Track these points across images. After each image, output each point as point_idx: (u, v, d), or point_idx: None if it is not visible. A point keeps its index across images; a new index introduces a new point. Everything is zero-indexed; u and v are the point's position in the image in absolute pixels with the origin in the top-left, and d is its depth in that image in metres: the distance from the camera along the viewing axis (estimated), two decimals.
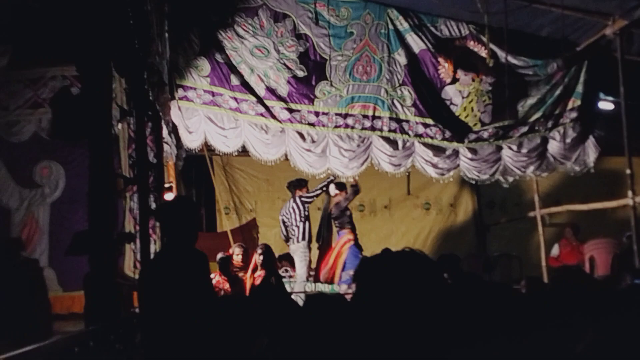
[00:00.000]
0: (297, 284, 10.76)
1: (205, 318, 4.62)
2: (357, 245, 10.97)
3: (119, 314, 4.91)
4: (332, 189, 11.25)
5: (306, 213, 10.86)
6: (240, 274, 10.28)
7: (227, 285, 9.81)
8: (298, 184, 11.07)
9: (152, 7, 7.01)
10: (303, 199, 10.89)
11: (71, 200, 10.51)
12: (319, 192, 11.11)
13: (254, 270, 9.75)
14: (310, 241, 10.89)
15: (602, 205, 12.12)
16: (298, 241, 10.85)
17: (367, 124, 10.79)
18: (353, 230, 11.12)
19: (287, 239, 11.04)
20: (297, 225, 10.88)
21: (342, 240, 11.03)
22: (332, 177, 11.05)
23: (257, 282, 9.48)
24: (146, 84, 6.72)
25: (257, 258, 9.66)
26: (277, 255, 10.91)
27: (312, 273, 11.20)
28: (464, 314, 2.09)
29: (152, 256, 6.57)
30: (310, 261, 10.96)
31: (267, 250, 9.69)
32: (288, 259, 11.99)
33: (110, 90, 5.29)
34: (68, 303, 9.77)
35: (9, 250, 8.73)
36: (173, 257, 4.53)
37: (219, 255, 10.12)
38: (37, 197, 10.81)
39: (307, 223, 10.84)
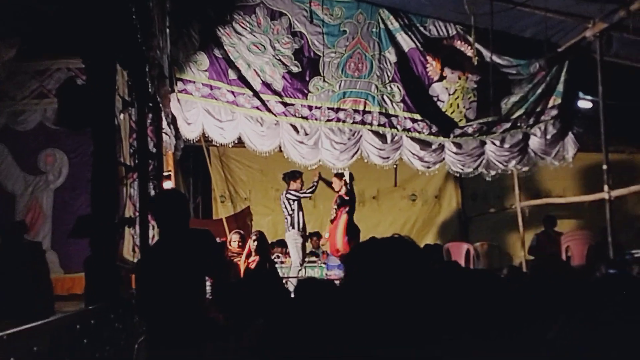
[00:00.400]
0: (291, 269, 10.81)
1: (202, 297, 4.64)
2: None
3: (119, 295, 4.92)
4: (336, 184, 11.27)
5: (293, 207, 10.85)
6: (236, 260, 10.29)
7: None
8: (292, 175, 11.06)
9: (154, 3, 6.99)
10: (288, 195, 10.89)
11: (74, 187, 10.50)
12: (307, 195, 11.10)
13: (248, 255, 9.76)
14: (301, 230, 10.87)
15: (579, 198, 12.18)
16: (288, 230, 10.89)
17: (358, 118, 10.82)
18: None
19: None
20: (286, 217, 10.92)
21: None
22: (315, 182, 11.04)
23: (252, 267, 9.50)
24: (147, 77, 6.71)
25: (252, 244, 9.66)
26: (270, 242, 10.92)
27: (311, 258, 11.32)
28: (448, 298, 2.10)
29: (150, 241, 6.59)
30: (304, 248, 10.97)
31: (261, 237, 9.70)
32: (280, 245, 12.03)
33: (113, 82, 5.29)
34: (69, 284, 9.76)
35: (14, 232, 8.72)
36: (168, 243, 4.54)
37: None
38: (41, 184, 10.79)
39: (297, 213, 10.84)
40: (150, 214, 5.59)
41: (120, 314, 4.46)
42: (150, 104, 7.20)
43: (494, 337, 2.07)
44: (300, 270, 10.73)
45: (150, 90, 6.96)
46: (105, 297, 4.62)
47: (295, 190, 10.89)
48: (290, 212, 10.85)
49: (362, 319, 1.98)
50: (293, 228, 10.82)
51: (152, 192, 6.92)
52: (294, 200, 10.86)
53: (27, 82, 10.69)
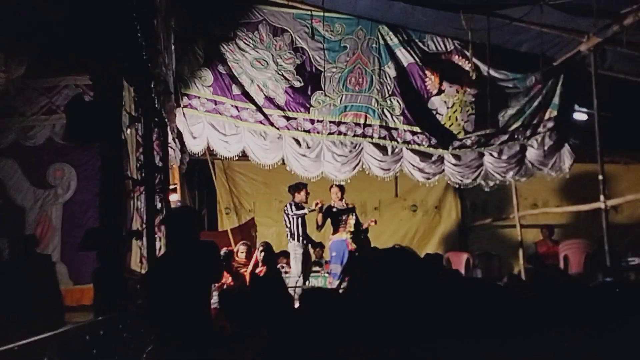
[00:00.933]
0: (291, 279, 10.79)
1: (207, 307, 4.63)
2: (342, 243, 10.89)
3: (127, 306, 4.91)
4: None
5: (291, 220, 10.77)
6: (242, 270, 10.28)
7: (229, 280, 9.79)
8: (296, 187, 11.03)
9: (160, 21, 7.01)
10: (287, 211, 10.80)
11: (82, 201, 10.50)
12: (299, 215, 10.94)
13: (255, 266, 9.76)
14: (300, 241, 10.80)
15: (576, 208, 12.16)
16: (290, 241, 10.84)
17: (359, 131, 10.84)
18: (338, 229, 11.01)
19: None
20: (286, 227, 10.87)
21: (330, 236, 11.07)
22: (306, 211, 10.88)
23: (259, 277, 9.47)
24: (153, 92, 6.73)
25: (258, 255, 9.68)
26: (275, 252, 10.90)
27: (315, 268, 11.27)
28: (449, 306, 2.09)
29: (157, 253, 6.58)
30: (305, 258, 10.90)
31: (267, 248, 9.71)
32: (285, 256, 12.00)
33: (120, 98, 5.29)
34: (78, 295, 9.74)
35: (24, 245, 8.72)
36: (176, 255, 4.54)
37: (223, 251, 10.04)
38: (50, 197, 10.79)
39: (295, 226, 10.74)
40: (164, 229, 5.60)
41: (128, 324, 4.46)
42: (156, 119, 7.22)
43: (495, 344, 2.06)
44: (298, 280, 10.70)
45: (156, 105, 6.97)
46: (113, 308, 4.62)
47: (294, 204, 10.80)
48: (289, 224, 10.80)
49: (366, 328, 1.98)
50: (293, 239, 10.78)
51: (159, 205, 6.92)
52: (289, 215, 10.78)
53: (36, 99, 10.71)
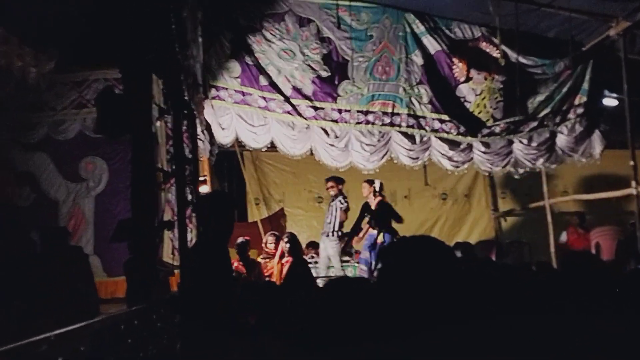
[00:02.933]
0: (319, 269, 10.81)
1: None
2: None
3: (160, 296, 4.97)
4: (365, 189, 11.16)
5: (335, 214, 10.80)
6: (269, 261, 10.34)
7: (244, 270, 9.83)
8: (340, 179, 11.01)
9: (188, 13, 7.05)
10: (339, 205, 10.86)
11: (114, 193, 10.61)
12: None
13: (282, 256, 9.81)
14: (339, 236, 10.82)
15: (607, 195, 12.04)
16: (330, 236, 10.81)
17: (387, 120, 10.81)
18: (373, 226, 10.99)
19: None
20: (330, 222, 10.86)
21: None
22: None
23: (285, 268, 9.53)
24: (182, 84, 6.78)
25: (284, 246, 9.72)
26: (304, 242, 10.95)
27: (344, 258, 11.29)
28: (479, 292, 2.10)
29: (188, 244, 6.64)
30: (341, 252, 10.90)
31: (292, 239, 9.75)
32: (313, 246, 12.03)
33: (150, 91, 5.35)
34: (112, 288, 9.86)
35: (57, 238, 8.81)
36: (211, 246, 4.58)
37: (238, 240, 10.05)
38: (83, 191, 10.90)
39: (334, 221, 10.79)
40: (197, 213, 5.64)
41: (162, 314, 4.51)
42: (185, 111, 7.27)
43: (526, 327, 2.06)
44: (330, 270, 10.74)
45: (185, 97, 7.02)
46: (146, 298, 4.68)
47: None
48: (332, 219, 10.79)
49: (395, 312, 1.99)
50: (332, 235, 10.77)
51: (189, 197, 6.98)
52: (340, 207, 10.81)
53: (66, 93, 10.82)
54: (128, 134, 5.08)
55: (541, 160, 11.52)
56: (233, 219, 4.79)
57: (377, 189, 10.96)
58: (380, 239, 10.62)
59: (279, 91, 10.44)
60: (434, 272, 2.00)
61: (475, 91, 10.98)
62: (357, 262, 11.21)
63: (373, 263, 10.49)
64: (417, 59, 10.84)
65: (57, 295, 6.78)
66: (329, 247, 10.78)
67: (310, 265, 10.19)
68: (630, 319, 2.73)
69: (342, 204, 10.82)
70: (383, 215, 10.84)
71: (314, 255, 11.71)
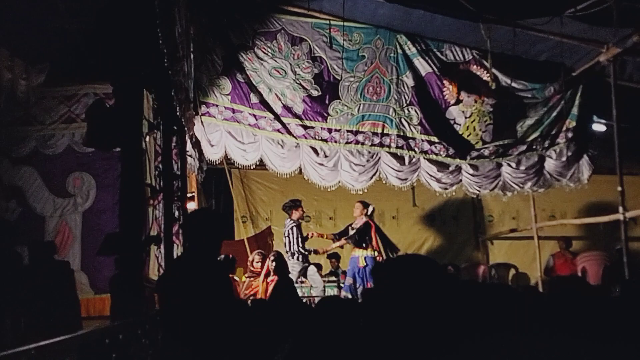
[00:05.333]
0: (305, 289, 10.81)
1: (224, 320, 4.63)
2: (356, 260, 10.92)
3: (144, 312, 4.93)
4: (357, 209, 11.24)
5: (300, 241, 10.88)
6: (254, 279, 10.30)
7: None
8: (293, 205, 11.13)
9: (180, 30, 7.06)
10: (289, 235, 10.97)
11: (101, 210, 10.56)
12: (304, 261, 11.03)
13: (267, 275, 9.77)
14: (301, 261, 10.87)
15: (594, 219, 12.08)
16: (289, 259, 10.74)
17: (376, 140, 10.83)
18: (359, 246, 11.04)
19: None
20: (286, 245, 10.94)
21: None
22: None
23: (270, 286, 9.51)
24: (173, 100, 6.77)
25: (270, 264, 9.67)
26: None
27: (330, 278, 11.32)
28: (468, 313, 2.09)
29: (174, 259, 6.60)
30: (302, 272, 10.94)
31: (279, 257, 9.71)
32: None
33: (141, 105, 5.34)
34: (99, 305, 9.78)
35: (43, 252, 8.75)
36: (194, 263, 4.54)
37: (222, 257, 9.99)
38: (70, 206, 10.81)
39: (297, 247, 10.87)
40: (184, 229, 5.60)
41: (146, 329, 4.47)
42: (175, 127, 7.25)
43: (516, 348, 2.06)
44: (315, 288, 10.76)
45: (175, 113, 7.01)
46: (131, 313, 4.64)
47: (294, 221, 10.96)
48: (289, 245, 10.88)
49: (385, 330, 1.98)
50: (292, 258, 10.81)
51: (177, 214, 6.95)
52: (298, 232, 10.90)
53: (55, 107, 10.78)
54: (117, 147, 5.07)
55: (529, 184, 11.55)
56: (222, 236, 4.72)
57: (369, 212, 11.04)
58: (362, 262, 10.69)
59: (270, 109, 10.46)
60: (427, 292, 1.99)
61: (465, 114, 11.02)
62: (343, 283, 11.17)
63: (357, 288, 10.55)
64: (408, 80, 10.87)
65: (39, 309, 6.73)
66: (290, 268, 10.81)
67: (296, 285, 10.22)
68: (617, 345, 2.73)
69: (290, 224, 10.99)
70: (363, 236, 10.94)
71: (338, 266, 11.77)
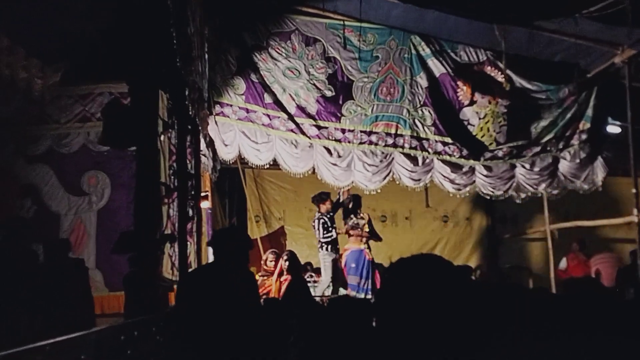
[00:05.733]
0: (319, 288, 10.82)
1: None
2: (359, 253, 10.90)
3: (159, 309, 4.95)
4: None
5: (324, 232, 10.86)
6: (265, 279, 10.34)
7: None
8: (320, 198, 11.11)
9: (194, 30, 7.09)
10: (315, 225, 10.95)
11: (116, 208, 10.58)
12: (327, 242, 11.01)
13: (280, 274, 9.79)
14: (329, 250, 10.86)
15: (608, 222, 12.03)
16: (319, 250, 10.92)
17: (390, 141, 10.83)
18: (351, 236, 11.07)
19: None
20: (317, 238, 10.96)
21: (344, 247, 11.08)
22: (334, 234, 11.02)
23: (283, 286, 9.53)
24: (187, 100, 6.80)
25: (283, 264, 9.70)
26: (303, 261, 10.93)
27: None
28: (483, 314, 2.08)
29: (188, 260, 6.63)
30: (334, 267, 10.92)
31: (292, 257, 9.73)
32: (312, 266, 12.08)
33: (156, 105, 5.37)
34: (114, 303, 9.80)
35: (58, 249, 8.79)
36: (221, 273, 4.59)
37: None
38: (85, 205, 10.85)
39: (327, 238, 10.85)
40: (213, 247, 5.68)
41: (161, 327, 4.50)
42: (190, 127, 7.28)
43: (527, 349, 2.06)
44: (327, 288, 10.74)
45: (189, 113, 7.03)
46: (145, 310, 4.66)
47: (324, 218, 10.92)
48: (321, 235, 10.88)
49: (397, 332, 1.98)
50: (322, 249, 10.86)
51: (190, 213, 6.98)
52: (323, 224, 10.88)
53: (71, 106, 10.82)
54: (133, 146, 5.09)
55: (543, 185, 11.52)
56: (246, 256, 4.83)
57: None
58: (368, 255, 10.74)
59: (283, 109, 10.48)
60: (442, 292, 1.98)
61: (479, 115, 11.00)
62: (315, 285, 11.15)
63: (364, 286, 10.54)
64: (422, 81, 10.86)
65: (54, 306, 6.76)
66: (321, 260, 10.92)
67: (309, 285, 10.24)
68: (631, 347, 2.72)
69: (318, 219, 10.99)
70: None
71: (312, 274, 11.72)
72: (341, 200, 11.24)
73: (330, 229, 10.86)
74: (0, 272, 6.59)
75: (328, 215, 10.97)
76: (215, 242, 5.08)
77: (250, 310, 4.66)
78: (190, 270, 6.13)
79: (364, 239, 10.99)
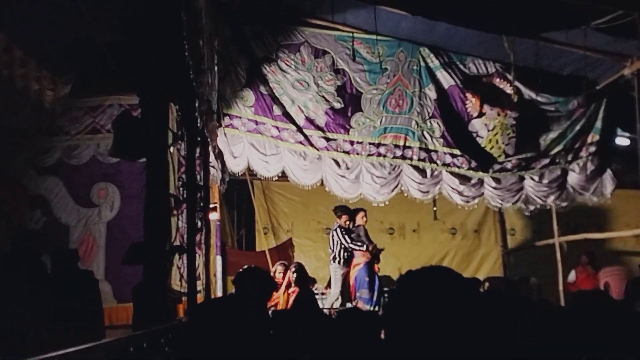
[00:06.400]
0: (327, 300, 10.82)
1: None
2: (370, 267, 10.89)
3: (168, 320, 4.96)
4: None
5: (340, 244, 10.89)
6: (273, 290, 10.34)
7: None
8: (336, 211, 11.14)
9: (204, 42, 7.12)
10: (337, 235, 10.93)
11: (125, 220, 10.60)
12: (357, 247, 11.03)
13: (288, 286, 9.78)
14: (342, 263, 10.89)
15: (617, 234, 12.00)
16: (331, 262, 10.96)
17: (398, 153, 10.83)
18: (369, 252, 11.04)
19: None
20: (331, 249, 10.98)
21: (353, 261, 11.04)
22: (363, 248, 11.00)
23: (291, 298, 9.52)
24: (196, 112, 6.82)
25: (291, 276, 9.68)
26: (311, 273, 10.95)
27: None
28: (491, 326, 2.08)
29: (196, 272, 6.63)
30: (343, 281, 10.94)
31: (300, 269, 9.72)
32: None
33: (166, 117, 5.40)
34: (123, 314, 9.79)
35: (67, 261, 8.81)
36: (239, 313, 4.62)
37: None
38: (94, 216, 10.87)
39: (340, 250, 10.88)
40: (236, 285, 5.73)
41: (170, 339, 4.50)
42: (199, 138, 7.30)
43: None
44: (335, 301, 10.75)
45: (198, 124, 7.06)
46: (154, 322, 4.66)
47: (345, 230, 10.95)
48: (332, 246, 10.92)
49: (408, 347, 1.98)
50: (334, 261, 10.89)
51: (199, 224, 6.98)
52: (340, 237, 10.90)
53: (81, 118, 10.87)
54: (143, 158, 5.12)
55: (552, 197, 11.49)
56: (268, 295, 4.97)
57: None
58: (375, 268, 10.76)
59: (292, 121, 10.49)
60: (451, 304, 1.99)
61: (487, 126, 11.00)
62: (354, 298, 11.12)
63: (377, 295, 10.53)
64: (431, 93, 10.87)
65: (64, 318, 6.77)
66: (332, 272, 10.96)
67: (317, 297, 10.23)
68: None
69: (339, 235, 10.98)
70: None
71: (320, 286, 11.73)
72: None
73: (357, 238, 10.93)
74: (10, 283, 6.60)
75: (347, 228, 11.02)
76: (239, 282, 5.14)
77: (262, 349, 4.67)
78: (207, 301, 6.13)
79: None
